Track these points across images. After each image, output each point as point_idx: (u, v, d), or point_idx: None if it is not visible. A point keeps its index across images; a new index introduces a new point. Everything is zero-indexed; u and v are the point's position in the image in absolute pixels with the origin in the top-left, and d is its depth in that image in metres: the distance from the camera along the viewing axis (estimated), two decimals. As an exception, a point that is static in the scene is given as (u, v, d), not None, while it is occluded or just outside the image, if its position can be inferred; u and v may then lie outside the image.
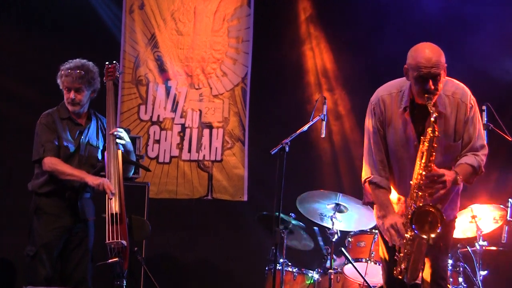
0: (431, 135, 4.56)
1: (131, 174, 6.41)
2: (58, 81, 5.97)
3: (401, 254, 4.68)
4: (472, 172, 4.75)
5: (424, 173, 4.57)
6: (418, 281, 5.17)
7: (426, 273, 4.97)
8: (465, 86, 4.83)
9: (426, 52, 4.59)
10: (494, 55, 7.71)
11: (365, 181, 4.98)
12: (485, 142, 4.86)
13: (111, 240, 5.70)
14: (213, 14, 8.35)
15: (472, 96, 4.80)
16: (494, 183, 7.28)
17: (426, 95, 4.58)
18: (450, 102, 4.75)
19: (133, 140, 6.94)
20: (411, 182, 4.66)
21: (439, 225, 4.51)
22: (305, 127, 6.09)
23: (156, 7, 8.39)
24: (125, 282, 5.74)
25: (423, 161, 4.59)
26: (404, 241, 4.63)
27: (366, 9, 7.99)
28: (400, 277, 4.71)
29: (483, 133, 4.90)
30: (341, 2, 8.27)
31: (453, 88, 4.77)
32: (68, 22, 8.25)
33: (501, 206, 6.46)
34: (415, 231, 4.52)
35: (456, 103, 4.74)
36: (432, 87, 4.56)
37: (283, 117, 7.87)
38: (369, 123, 4.97)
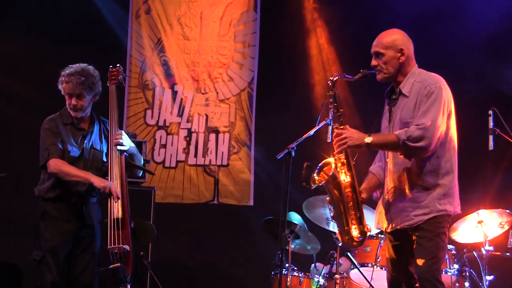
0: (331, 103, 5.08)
1: (140, 174, 6.41)
2: (60, 87, 5.96)
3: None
4: (393, 141, 4.86)
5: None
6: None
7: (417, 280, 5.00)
8: (439, 78, 5.01)
9: (377, 38, 5.13)
10: (501, 58, 7.75)
11: None
12: (428, 121, 4.83)
13: (113, 246, 5.70)
14: (219, 19, 8.37)
15: (439, 84, 4.94)
16: (500, 188, 7.28)
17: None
18: (415, 87, 5.00)
19: (139, 144, 6.97)
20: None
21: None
22: (312, 132, 6.08)
23: (162, 12, 8.41)
24: (129, 287, 5.73)
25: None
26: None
27: (376, 16, 7.97)
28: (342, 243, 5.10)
29: (436, 117, 4.86)
30: (348, 9, 8.27)
31: (424, 77, 5.04)
32: (75, 27, 8.28)
33: (507, 211, 6.44)
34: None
35: (419, 87, 4.97)
36: (374, 62, 5.08)
37: (289, 122, 7.87)
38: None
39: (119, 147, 5.99)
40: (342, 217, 4.97)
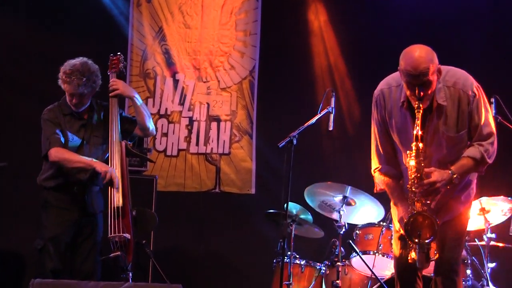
0: (417, 134, 4.61)
1: (152, 131, 6.34)
2: (60, 83, 5.96)
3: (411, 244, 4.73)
4: (474, 165, 4.74)
5: (414, 176, 4.65)
6: (429, 273, 5.19)
7: (438, 265, 4.99)
8: (467, 74, 4.80)
9: (414, 59, 4.57)
10: (504, 48, 7.74)
11: (374, 171, 5.06)
12: (493, 129, 4.81)
13: (113, 234, 5.73)
14: (220, 8, 8.36)
15: (475, 83, 4.76)
16: (502, 176, 7.27)
17: (415, 101, 4.61)
18: (451, 93, 4.71)
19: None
20: (407, 186, 4.73)
21: (433, 232, 4.61)
22: (313, 120, 6.06)
23: (163, 0, 8.41)
24: (131, 275, 5.76)
25: (413, 164, 4.65)
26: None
27: (377, 3, 7.96)
28: (411, 262, 4.75)
29: (491, 120, 4.83)
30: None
31: (453, 79, 4.73)
32: (76, 15, 8.29)
33: (509, 198, 6.46)
34: (414, 241, 4.64)
35: (458, 94, 4.71)
36: (421, 93, 4.56)
37: (291, 110, 7.88)
38: (373, 115, 5.02)
39: (113, 93, 6.02)
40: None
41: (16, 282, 7.71)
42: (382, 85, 4.95)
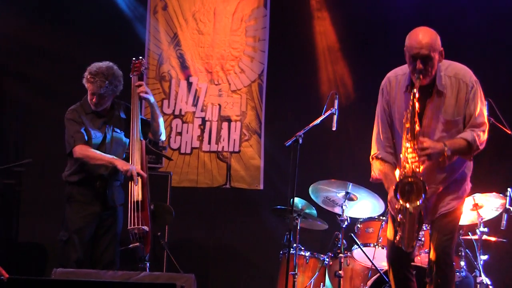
0: (411, 110, 4.66)
1: (161, 136, 6.33)
2: (84, 81, 6.00)
3: (397, 225, 4.75)
4: (466, 146, 4.77)
5: (408, 145, 4.67)
6: (424, 265, 5.23)
7: (432, 258, 5.02)
8: (467, 68, 4.90)
9: (418, 35, 4.73)
10: (496, 53, 7.76)
11: (372, 158, 5.09)
12: (485, 120, 4.89)
13: (133, 226, 5.77)
14: (231, 15, 8.37)
15: (474, 77, 4.87)
16: (494, 174, 7.30)
17: (415, 74, 4.70)
18: (451, 82, 4.82)
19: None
20: (400, 155, 4.76)
21: (422, 194, 4.60)
22: (318, 121, 6.09)
23: (178, 8, 8.41)
24: (148, 265, 5.80)
25: (408, 135, 4.67)
26: (396, 211, 4.71)
27: (382, 9, 7.97)
28: (400, 245, 4.76)
29: (485, 112, 4.91)
30: (354, 4, 8.28)
31: (455, 70, 4.85)
32: (98, 23, 8.27)
33: (501, 194, 6.45)
34: (399, 200, 4.62)
35: (458, 84, 4.81)
36: (420, 66, 4.67)
37: (297, 111, 7.89)
38: (378, 103, 5.09)
39: (144, 95, 6.05)
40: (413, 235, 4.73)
41: (40, 271, 7.71)
42: (389, 74, 5.05)
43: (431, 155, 4.66)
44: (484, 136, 4.84)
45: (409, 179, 4.65)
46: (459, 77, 4.83)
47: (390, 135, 5.02)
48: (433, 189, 4.88)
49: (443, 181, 4.92)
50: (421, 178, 4.63)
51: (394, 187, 4.68)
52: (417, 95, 4.67)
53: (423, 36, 4.72)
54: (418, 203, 4.61)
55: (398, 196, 4.65)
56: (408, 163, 4.68)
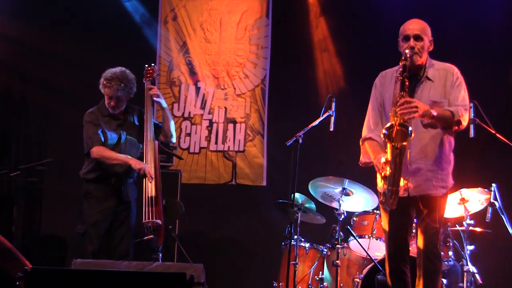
0: (400, 76, 4.74)
1: (172, 138, 6.31)
2: (100, 87, 6.00)
3: (384, 182, 4.76)
4: (449, 116, 4.81)
5: (396, 109, 4.69)
6: (414, 254, 5.20)
7: (420, 248, 5.01)
8: (454, 66, 5.02)
9: (412, 20, 4.99)
10: (482, 57, 7.73)
11: (362, 141, 5.13)
12: (467, 106, 4.95)
13: (147, 220, 5.78)
14: (236, 25, 8.36)
15: (459, 73, 4.98)
16: (480, 170, 7.28)
17: (406, 52, 4.81)
18: (439, 73, 4.96)
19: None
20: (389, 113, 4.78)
21: (407, 137, 4.62)
22: (316, 122, 6.10)
23: (187, 19, 8.42)
24: (160, 256, 5.82)
25: (397, 97, 4.73)
26: (383, 165, 4.72)
27: (380, 17, 7.90)
28: (387, 201, 4.76)
29: (467, 100, 4.97)
30: (349, 13, 8.26)
31: (444, 65, 5.03)
32: (112, 32, 8.30)
33: (486, 189, 6.44)
34: (386, 136, 4.65)
35: (445, 74, 4.95)
36: (412, 44, 4.84)
37: (297, 114, 7.87)
38: (371, 95, 5.16)
39: (155, 98, 6.03)
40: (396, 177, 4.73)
41: (60, 261, 7.72)
42: (382, 72, 5.14)
43: (418, 108, 4.67)
44: (465, 115, 4.87)
45: (398, 128, 4.66)
46: (447, 69, 4.98)
47: (379, 121, 5.06)
48: (422, 165, 4.90)
49: (430, 160, 4.92)
50: (407, 125, 4.65)
51: (383, 131, 4.70)
52: (406, 73, 4.74)
53: (416, 21, 4.95)
54: (404, 143, 4.64)
55: (385, 131, 4.68)
56: (397, 116, 4.70)
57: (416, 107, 4.66)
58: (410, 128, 4.62)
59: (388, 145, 4.69)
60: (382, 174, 4.75)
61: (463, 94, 4.94)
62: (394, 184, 4.72)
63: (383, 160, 4.74)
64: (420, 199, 4.97)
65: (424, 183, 4.93)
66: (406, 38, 4.90)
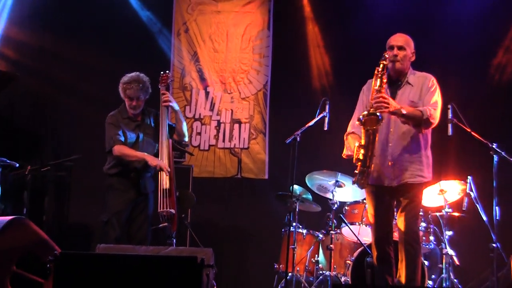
0: (379, 74, 4.83)
1: (184, 137, 6.33)
2: (120, 91, 6.03)
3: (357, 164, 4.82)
4: (418, 115, 4.86)
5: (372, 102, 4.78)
6: (397, 239, 5.23)
7: (401, 235, 5.04)
8: (432, 76, 5.11)
9: (397, 34, 5.09)
10: (458, 64, 7.73)
11: (345, 136, 5.23)
12: (438, 106, 5.00)
13: (162, 209, 5.79)
14: (241, 36, 8.36)
15: (435, 80, 5.07)
16: (457, 164, 7.30)
17: (389, 59, 4.93)
18: (418, 80, 5.06)
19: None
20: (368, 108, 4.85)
21: (378, 122, 4.70)
22: (312, 122, 6.10)
23: (197, 31, 8.42)
24: (174, 241, 5.84)
25: (375, 91, 4.80)
26: (357, 149, 4.81)
27: (378, 28, 7.85)
28: (359, 182, 4.84)
29: (439, 105, 5.03)
30: (344, 24, 8.22)
31: (423, 74, 5.13)
32: (130, 42, 8.28)
33: (462, 181, 6.47)
34: (361, 122, 4.74)
35: (423, 80, 5.05)
36: (396, 52, 4.96)
37: (295, 115, 7.82)
38: (359, 99, 5.29)
39: (167, 104, 6.02)
40: (367, 159, 4.81)
41: (86, 247, 7.73)
42: (370, 79, 5.15)
43: (389, 105, 4.74)
44: (434, 114, 4.92)
45: (371, 116, 4.74)
46: (425, 76, 5.09)
47: None
48: (402, 155, 4.97)
49: (408, 153, 4.98)
50: (378, 114, 4.72)
51: (359, 117, 4.77)
52: (384, 71, 4.84)
53: (401, 35, 5.09)
54: (374, 127, 4.73)
55: (361, 118, 4.76)
56: (371, 107, 4.77)
57: (388, 103, 4.75)
58: (379, 115, 4.72)
59: (362, 130, 4.79)
60: (355, 156, 4.82)
61: (436, 98, 5.01)
62: (365, 165, 4.80)
63: (356, 144, 4.84)
64: (400, 188, 5.02)
65: (403, 173, 4.99)
66: (391, 48, 5.04)
